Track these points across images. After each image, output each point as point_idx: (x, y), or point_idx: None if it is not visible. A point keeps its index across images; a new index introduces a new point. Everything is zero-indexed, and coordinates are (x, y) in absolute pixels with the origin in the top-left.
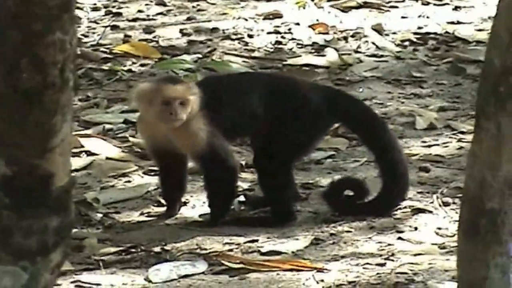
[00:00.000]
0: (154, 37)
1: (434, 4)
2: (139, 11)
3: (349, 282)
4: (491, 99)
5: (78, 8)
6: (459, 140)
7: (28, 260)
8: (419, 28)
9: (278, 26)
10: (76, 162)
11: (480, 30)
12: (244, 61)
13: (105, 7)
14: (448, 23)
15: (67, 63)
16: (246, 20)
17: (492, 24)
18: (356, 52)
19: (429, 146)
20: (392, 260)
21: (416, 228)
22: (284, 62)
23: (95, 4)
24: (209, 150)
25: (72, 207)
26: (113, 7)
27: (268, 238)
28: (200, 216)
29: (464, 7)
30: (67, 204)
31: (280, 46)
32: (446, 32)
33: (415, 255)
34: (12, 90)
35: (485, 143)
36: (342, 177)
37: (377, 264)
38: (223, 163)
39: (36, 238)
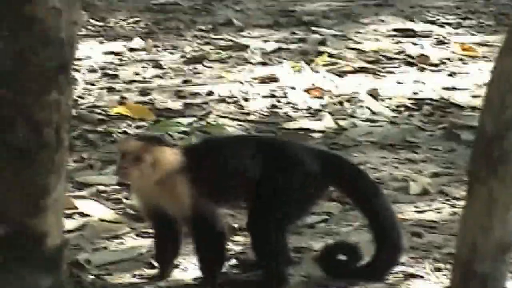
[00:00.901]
0: (150, 99)
1: (430, 70)
2: (136, 73)
3: None
4: (483, 163)
5: (74, 69)
6: (453, 206)
7: None
8: (415, 93)
9: (273, 90)
10: (69, 224)
11: (475, 96)
12: (239, 125)
13: (101, 69)
14: (443, 89)
15: (62, 123)
16: (242, 83)
17: (485, 90)
18: (351, 116)
19: (422, 211)
20: None
21: None
22: (279, 126)
23: (91, 66)
24: (194, 214)
25: (64, 266)
26: (110, 69)
27: None
28: (194, 280)
29: (460, 73)
30: (59, 264)
31: (275, 110)
32: (441, 98)
33: None
34: (6, 149)
35: (476, 207)
36: (336, 241)
37: None
38: (210, 227)
39: None
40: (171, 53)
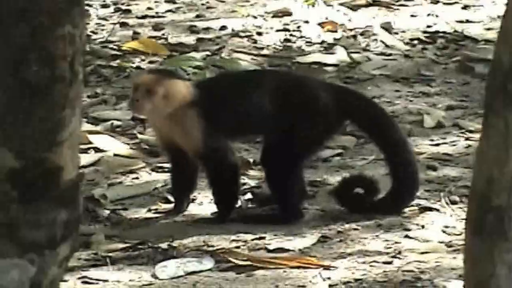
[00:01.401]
0: (163, 34)
1: (443, 3)
2: (148, 8)
3: (356, 280)
4: (499, 96)
5: (87, 5)
6: (467, 139)
7: (35, 253)
8: (428, 26)
9: (287, 24)
10: (84, 159)
11: (489, 29)
12: (253, 59)
13: (114, 4)
14: (457, 22)
15: (76, 57)
16: (255, 18)
17: (501, 22)
18: (365, 50)
19: (437, 144)
20: (399, 258)
21: (423, 226)
22: (293, 60)
23: (104, 1)
24: (206, 149)
25: (81, 201)
26: (122, 4)
27: (275, 235)
28: (211, 214)
29: (473, 6)
30: (75, 198)
31: (289, 44)
32: (455, 31)
33: (422, 253)
34: (20, 84)
35: (492, 139)
36: (353, 174)
37: (384, 262)
38: (222, 161)
39: (44, 231)
40: None
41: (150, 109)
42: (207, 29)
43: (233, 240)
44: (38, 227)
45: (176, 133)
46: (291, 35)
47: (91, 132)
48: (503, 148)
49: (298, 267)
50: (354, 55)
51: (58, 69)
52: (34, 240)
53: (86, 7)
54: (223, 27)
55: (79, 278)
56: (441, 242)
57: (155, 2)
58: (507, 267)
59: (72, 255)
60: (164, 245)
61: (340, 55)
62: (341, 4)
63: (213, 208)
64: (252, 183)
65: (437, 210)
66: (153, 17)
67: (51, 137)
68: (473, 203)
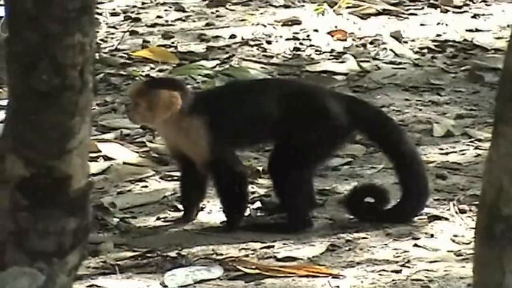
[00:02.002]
0: (173, 42)
1: (453, 12)
2: (158, 16)
3: None
4: (509, 105)
5: (97, 13)
6: (477, 148)
7: (44, 262)
8: (438, 35)
9: (296, 33)
10: (93, 167)
11: (498, 38)
12: (262, 67)
13: (124, 12)
14: (467, 30)
15: (86, 65)
16: (265, 26)
17: (511, 31)
18: (375, 59)
19: (446, 153)
20: (408, 267)
21: (432, 235)
22: (303, 69)
23: (114, 9)
24: (212, 158)
25: (90, 209)
26: (132, 12)
27: (284, 244)
28: (220, 222)
29: (483, 15)
30: (85, 206)
31: (298, 52)
32: (465, 39)
33: (431, 262)
34: (30, 92)
35: (502, 148)
36: (364, 183)
37: (393, 271)
38: (229, 171)
39: (53, 239)
40: None
41: (140, 119)
42: (216, 37)
43: (242, 249)
44: (47, 235)
45: (182, 142)
46: (300, 43)
47: (100, 140)
48: None
49: (307, 276)
50: (364, 64)
51: (68, 77)
52: (43, 249)
53: (96, 16)
54: (232, 36)
55: (88, 286)
56: (450, 251)
57: (165, 10)
58: None
59: (81, 264)
60: (173, 254)
61: (349, 64)
62: (350, 13)
63: (222, 216)
64: (261, 191)
65: (446, 219)
66: (162, 25)
67: (60, 145)
68: (483, 212)
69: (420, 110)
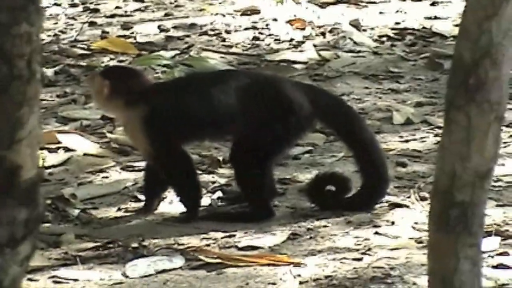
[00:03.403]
0: (132, 33)
1: (412, 0)
2: (117, 7)
3: (326, 277)
4: (460, 91)
5: (56, 4)
6: (436, 135)
7: None
8: (397, 23)
9: (255, 22)
10: (54, 158)
11: (457, 25)
12: (221, 57)
13: (82, 3)
14: (426, 18)
15: (34, 55)
16: (224, 16)
17: (461, 17)
18: (334, 47)
19: (406, 141)
20: (369, 255)
21: (393, 223)
22: (262, 58)
23: (72, 0)
24: (153, 151)
25: (41, 199)
26: (91, 3)
27: (245, 233)
28: (181, 213)
29: (442, 2)
30: (35, 196)
31: (257, 42)
32: (424, 27)
33: (392, 249)
34: None
35: (455, 135)
36: (325, 172)
37: (354, 259)
38: (172, 163)
39: (4, 230)
40: None
41: (98, 107)
42: (175, 27)
43: (203, 238)
44: None
45: (126, 133)
46: (260, 33)
47: (60, 132)
48: (465, 144)
49: (268, 265)
50: (323, 53)
51: (15, 67)
52: None
53: (55, 7)
54: (192, 26)
55: (49, 278)
56: (411, 238)
57: (124, 1)
58: (471, 262)
59: (33, 254)
60: (134, 244)
61: (309, 53)
62: (309, 2)
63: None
64: (222, 181)
65: (407, 206)
66: (121, 16)
67: (9, 135)
68: (436, 198)
69: (380, 98)
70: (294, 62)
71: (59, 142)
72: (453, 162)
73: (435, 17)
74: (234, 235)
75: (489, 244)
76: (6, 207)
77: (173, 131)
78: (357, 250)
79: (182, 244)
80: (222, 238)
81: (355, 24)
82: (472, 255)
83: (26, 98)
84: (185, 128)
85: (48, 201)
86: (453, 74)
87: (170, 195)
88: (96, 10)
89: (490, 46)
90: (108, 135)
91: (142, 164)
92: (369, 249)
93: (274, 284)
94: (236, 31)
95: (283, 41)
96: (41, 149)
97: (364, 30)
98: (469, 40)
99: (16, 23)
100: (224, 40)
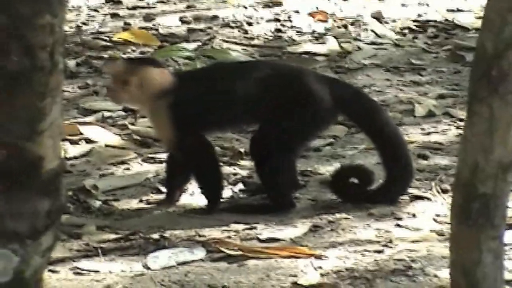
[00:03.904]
0: (154, 25)
1: None
2: None
3: (347, 269)
4: (483, 83)
5: None
6: (458, 127)
7: (18, 243)
8: (419, 15)
9: (277, 14)
10: (75, 150)
11: (479, 17)
12: (243, 49)
13: None
14: (448, 10)
15: (56, 46)
16: (246, 8)
17: (484, 9)
18: (356, 39)
19: (428, 133)
20: (390, 247)
21: (414, 215)
22: (284, 50)
23: None
24: (177, 140)
25: (63, 190)
26: None
27: (266, 225)
28: (200, 204)
29: None
30: (57, 188)
31: (279, 34)
32: (446, 19)
33: (413, 242)
34: (1, 73)
35: (477, 127)
36: (349, 164)
37: (375, 251)
38: (196, 153)
39: (26, 221)
40: None
41: (127, 98)
42: (198, 19)
43: (225, 230)
44: (21, 217)
45: (151, 122)
46: (281, 25)
47: (82, 123)
48: (488, 136)
49: (290, 257)
50: (345, 45)
51: (38, 58)
52: (16, 230)
53: None
54: (214, 17)
55: (70, 269)
56: (432, 231)
57: None
58: (493, 254)
59: (55, 245)
60: (155, 236)
61: (330, 45)
62: None
63: (204, 199)
64: (243, 173)
65: (428, 199)
66: (144, 8)
67: (32, 126)
68: (459, 191)
69: (402, 90)
70: (316, 54)
71: (80, 134)
72: (475, 154)
73: (457, 10)
74: (255, 227)
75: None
76: (28, 198)
77: (197, 121)
78: (378, 242)
79: (204, 236)
80: (243, 230)
81: (377, 16)
82: (494, 247)
83: (49, 89)
84: (208, 117)
85: (70, 193)
86: (475, 66)
87: (192, 187)
88: (119, 2)
89: None
90: (130, 126)
91: (164, 155)
92: (390, 241)
93: (295, 276)
94: (258, 23)
95: (305, 33)
96: (63, 140)
97: (386, 23)
98: (492, 31)
99: (39, 14)
100: (246, 32)
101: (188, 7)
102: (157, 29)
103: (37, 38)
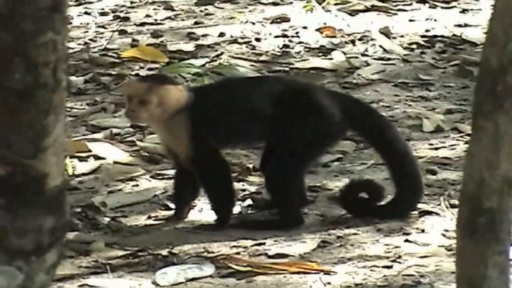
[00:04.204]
0: (162, 41)
1: (442, 7)
2: (147, 15)
3: (356, 285)
4: (488, 98)
5: (86, 13)
6: (466, 143)
7: (23, 260)
8: (427, 31)
9: (285, 30)
10: (84, 166)
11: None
12: (251, 65)
13: (113, 12)
14: (456, 26)
15: (59, 64)
16: (254, 24)
17: (488, 24)
18: (363, 55)
19: (436, 148)
20: (399, 262)
21: (423, 230)
22: (292, 66)
23: (103, 9)
24: (195, 155)
25: (67, 207)
26: (121, 11)
27: (275, 241)
28: (210, 220)
29: (472, 9)
30: (62, 204)
31: (287, 49)
32: (454, 35)
33: (422, 257)
34: (3, 90)
35: (482, 142)
36: (359, 179)
37: (384, 267)
38: (212, 168)
39: (31, 238)
40: None
41: (147, 118)
42: (205, 35)
43: (233, 246)
44: (25, 234)
45: (168, 138)
46: (289, 40)
47: (90, 140)
48: (493, 150)
49: (299, 273)
50: (353, 60)
51: (41, 76)
52: (21, 247)
53: (85, 15)
54: (221, 34)
55: (79, 286)
56: (441, 246)
57: (154, 9)
58: (499, 269)
59: (59, 262)
60: (164, 252)
61: (338, 60)
62: (339, 10)
63: (213, 215)
64: (252, 189)
65: (437, 214)
66: (151, 24)
67: (35, 143)
68: (465, 205)
69: (410, 105)
70: (324, 69)
71: (89, 151)
72: (481, 169)
73: (465, 25)
74: (264, 243)
75: None
76: (33, 215)
77: (213, 135)
78: (387, 257)
79: (212, 252)
80: (252, 246)
81: (385, 32)
82: (500, 262)
83: (52, 106)
84: (223, 131)
85: (78, 209)
86: (480, 81)
87: (200, 203)
88: (126, 19)
89: None
90: (138, 143)
91: (172, 172)
92: (399, 257)
93: None
94: (266, 39)
95: (312, 49)
96: (71, 157)
97: (394, 38)
98: (497, 47)
99: (42, 32)
100: (254, 48)
101: (196, 23)
102: (165, 46)
103: (40, 55)
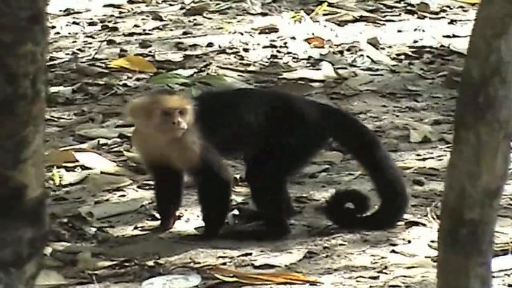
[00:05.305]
0: (150, 51)
1: (430, 18)
2: (135, 25)
3: None
4: (470, 110)
5: (74, 23)
6: None
7: (2, 271)
8: (415, 41)
9: (273, 40)
10: (71, 176)
11: None
12: (239, 75)
13: (101, 22)
14: (444, 36)
15: (38, 75)
16: (242, 34)
17: (470, 35)
18: (352, 66)
19: (424, 159)
20: (385, 273)
21: (409, 241)
22: (280, 76)
23: (91, 18)
24: (203, 164)
25: (46, 218)
26: (110, 21)
27: (261, 251)
28: (195, 229)
29: (460, 20)
30: (41, 216)
31: (275, 60)
32: (442, 45)
33: (408, 268)
34: None
35: (464, 153)
36: (345, 189)
37: (370, 277)
38: (217, 177)
39: (10, 249)
40: (171, 4)
41: (185, 128)
42: (194, 46)
43: (220, 257)
44: (4, 245)
45: (174, 149)
46: (277, 51)
47: (77, 150)
48: (475, 162)
49: (285, 283)
50: (341, 71)
51: (20, 87)
52: (0, 259)
53: (73, 25)
54: (209, 44)
55: None
56: (428, 257)
57: (142, 19)
58: (481, 280)
59: (39, 273)
60: (150, 262)
61: (326, 71)
62: (327, 20)
63: (199, 225)
64: (239, 199)
65: (424, 224)
66: (140, 34)
67: (14, 155)
68: (446, 217)
69: (397, 116)
70: (312, 80)
71: (76, 161)
72: (462, 180)
73: (453, 35)
74: (250, 254)
75: (506, 262)
76: (12, 226)
77: (218, 145)
78: (374, 268)
79: (198, 263)
80: (238, 256)
81: (373, 42)
82: (482, 273)
83: (31, 117)
84: (226, 142)
85: (65, 220)
86: (462, 93)
87: (187, 213)
88: (115, 29)
89: (499, 64)
90: (125, 153)
91: None
92: (386, 268)
93: None
94: (254, 49)
95: (301, 59)
96: (59, 167)
97: (382, 48)
98: (478, 58)
99: (21, 43)
100: (242, 58)
101: (185, 33)
102: (153, 56)
103: (19, 66)
